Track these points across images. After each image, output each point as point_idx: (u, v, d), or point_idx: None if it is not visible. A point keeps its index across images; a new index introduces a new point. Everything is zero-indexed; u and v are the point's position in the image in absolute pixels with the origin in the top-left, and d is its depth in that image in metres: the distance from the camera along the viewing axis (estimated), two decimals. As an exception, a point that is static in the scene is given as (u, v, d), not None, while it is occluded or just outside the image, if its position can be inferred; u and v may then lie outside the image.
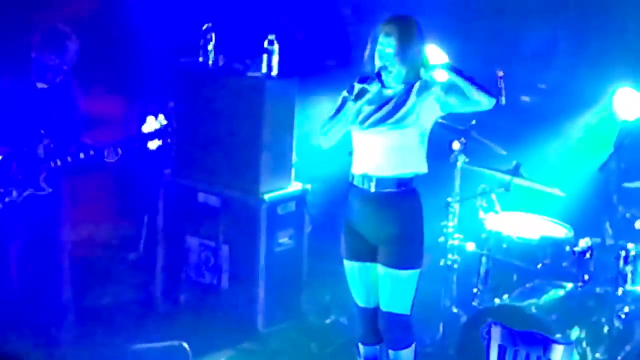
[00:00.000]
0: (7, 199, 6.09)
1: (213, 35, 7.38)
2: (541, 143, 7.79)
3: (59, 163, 6.13)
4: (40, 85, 6.24)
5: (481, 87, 5.53)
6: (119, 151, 6.19)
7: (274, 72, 7.19)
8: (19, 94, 6.20)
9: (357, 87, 5.56)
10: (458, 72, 5.56)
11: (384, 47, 5.62)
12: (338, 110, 5.62)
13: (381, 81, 5.61)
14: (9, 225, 6.17)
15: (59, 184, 6.26)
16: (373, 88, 5.60)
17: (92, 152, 6.15)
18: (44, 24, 6.47)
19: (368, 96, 5.61)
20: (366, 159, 5.72)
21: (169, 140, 6.30)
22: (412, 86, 5.68)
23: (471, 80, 5.53)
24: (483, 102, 5.54)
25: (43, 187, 6.14)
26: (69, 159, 6.13)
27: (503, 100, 5.61)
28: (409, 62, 5.62)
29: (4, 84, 6.23)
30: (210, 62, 7.38)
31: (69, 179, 6.34)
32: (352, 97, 5.56)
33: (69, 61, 6.26)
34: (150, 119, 6.36)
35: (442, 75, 5.68)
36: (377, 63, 5.64)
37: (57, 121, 6.20)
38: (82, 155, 6.15)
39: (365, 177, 5.72)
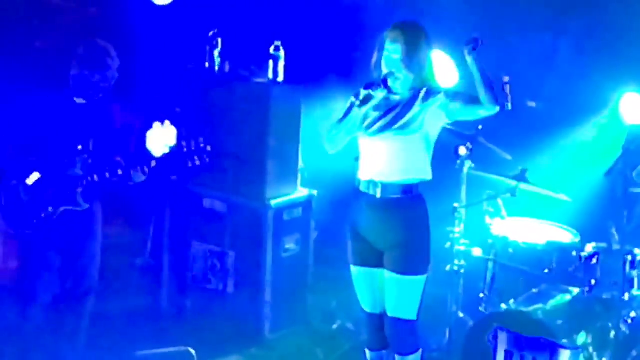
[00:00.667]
0: (43, 214, 6.07)
1: (219, 41, 7.39)
2: (547, 148, 7.79)
3: (96, 179, 6.10)
4: (78, 100, 6.21)
5: (491, 88, 5.51)
6: (146, 170, 6.15)
7: (280, 78, 7.20)
8: (57, 109, 6.16)
9: (363, 92, 5.57)
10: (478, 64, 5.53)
11: (390, 54, 5.63)
12: (345, 116, 5.63)
13: (387, 87, 5.61)
14: (44, 239, 6.15)
15: (95, 200, 6.24)
16: (379, 94, 5.61)
17: (120, 172, 6.10)
18: (83, 40, 6.39)
19: (373, 102, 5.63)
20: (372, 165, 5.73)
21: (206, 158, 6.22)
22: (419, 93, 5.68)
23: (485, 76, 5.50)
24: (487, 104, 5.51)
25: (80, 202, 6.12)
26: (107, 175, 6.10)
27: (509, 105, 5.60)
28: (415, 68, 5.63)
29: (42, 98, 6.18)
30: (216, 69, 7.40)
31: (103, 194, 6.32)
32: (358, 102, 5.57)
33: (110, 78, 6.21)
34: (156, 125, 6.33)
35: (453, 75, 5.66)
36: (384, 69, 5.65)
37: (96, 137, 6.17)
38: (120, 172, 6.10)
39: (371, 183, 5.72)
